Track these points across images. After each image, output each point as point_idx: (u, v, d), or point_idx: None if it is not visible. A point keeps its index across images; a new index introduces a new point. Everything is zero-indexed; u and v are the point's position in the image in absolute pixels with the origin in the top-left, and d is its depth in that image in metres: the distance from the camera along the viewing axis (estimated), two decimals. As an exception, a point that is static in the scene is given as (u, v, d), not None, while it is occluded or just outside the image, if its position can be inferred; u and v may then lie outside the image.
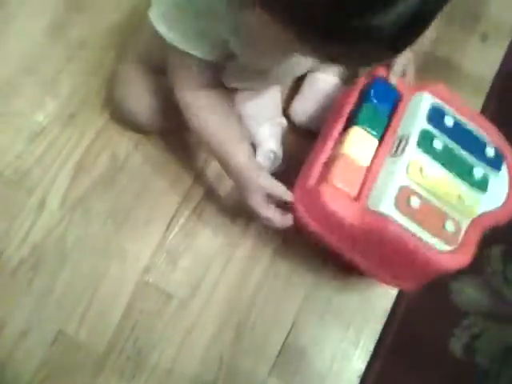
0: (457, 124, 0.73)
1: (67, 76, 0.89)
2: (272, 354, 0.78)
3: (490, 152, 0.72)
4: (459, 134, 0.72)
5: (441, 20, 0.98)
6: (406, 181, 0.67)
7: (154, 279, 0.81)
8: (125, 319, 0.79)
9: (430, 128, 0.71)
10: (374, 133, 0.72)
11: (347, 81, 0.88)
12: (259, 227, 0.82)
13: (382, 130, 0.72)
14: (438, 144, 0.70)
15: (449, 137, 0.72)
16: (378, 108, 0.73)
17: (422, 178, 0.68)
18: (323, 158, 0.71)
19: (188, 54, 0.64)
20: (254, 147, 0.82)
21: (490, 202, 0.70)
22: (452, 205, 0.68)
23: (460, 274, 0.81)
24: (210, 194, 0.84)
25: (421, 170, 0.68)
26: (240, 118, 0.79)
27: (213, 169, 0.85)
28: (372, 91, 0.74)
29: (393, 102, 0.75)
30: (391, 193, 0.66)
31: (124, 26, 0.92)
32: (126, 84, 0.81)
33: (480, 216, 0.69)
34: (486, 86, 0.95)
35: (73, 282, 0.80)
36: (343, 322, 0.80)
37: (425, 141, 0.70)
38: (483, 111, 0.91)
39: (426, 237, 0.65)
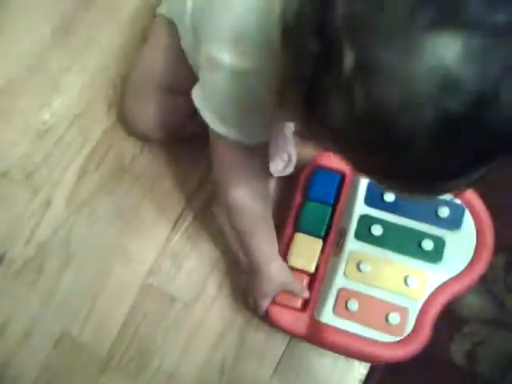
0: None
1: (74, 76, 0.89)
2: (275, 359, 0.79)
3: (444, 212, 0.70)
4: (403, 205, 0.71)
5: None
6: (345, 282, 0.69)
7: (157, 282, 0.81)
8: (128, 321, 0.79)
9: (367, 211, 0.71)
10: (318, 233, 0.73)
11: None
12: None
13: (326, 226, 0.74)
14: (376, 229, 0.70)
15: (391, 212, 0.71)
16: (319, 206, 0.74)
17: (360, 273, 0.69)
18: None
19: (238, 142, 0.59)
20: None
21: (450, 268, 0.69)
22: (397, 292, 0.69)
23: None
24: (214, 199, 0.84)
25: (358, 265, 0.69)
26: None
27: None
28: (311, 189, 0.75)
29: (335, 187, 0.75)
30: (330, 300, 0.69)
31: (134, 24, 0.91)
32: (135, 96, 0.80)
33: (438, 289, 0.69)
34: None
35: (77, 283, 0.80)
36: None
37: (362, 229, 0.71)
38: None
39: (369, 334, 0.67)
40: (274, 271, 0.71)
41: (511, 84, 0.35)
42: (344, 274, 0.70)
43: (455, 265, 0.70)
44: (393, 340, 0.67)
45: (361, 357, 0.73)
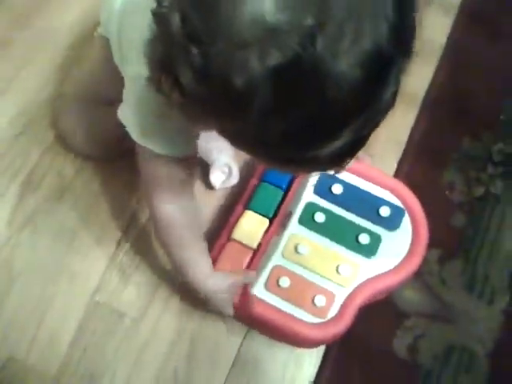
0: (347, 190, 0.76)
1: (12, 96, 0.88)
2: (227, 365, 0.79)
3: (385, 211, 0.75)
4: (349, 199, 0.76)
5: None
6: (281, 260, 0.73)
7: (105, 298, 0.80)
8: (76, 341, 0.78)
9: (315, 200, 0.76)
10: (266, 214, 0.77)
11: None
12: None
13: (275, 208, 0.78)
14: (319, 217, 0.75)
15: (336, 204, 0.76)
16: (272, 188, 0.78)
17: (297, 255, 0.73)
18: (222, 240, 0.77)
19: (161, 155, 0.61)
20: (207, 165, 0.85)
21: (382, 263, 0.74)
22: (328, 278, 0.73)
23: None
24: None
25: (296, 247, 0.73)
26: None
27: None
28: (267, 172, 0.79)
29: (290, 175, 0.78)
30: (264, 274, 0.72)
31: (72, 42, 0.91)
32: (67, 116, 0.81)
33: (367, 281, 0.73)
34: (418, 102, 1.00)
35: (21, 306, 0.79)
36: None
37: (306, 215, 0.75)
38: (416, 126, 0.97)
39: (294, 312, 0.71)
40: (213, 286, 0.72)
41: (329, 33, 0.37)
42: (282, 253, 0.74)
43: (388, 261, 0.74)
44: (315, 321, 0.70)
45: (283, 334, 0.74)
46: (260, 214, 0.77)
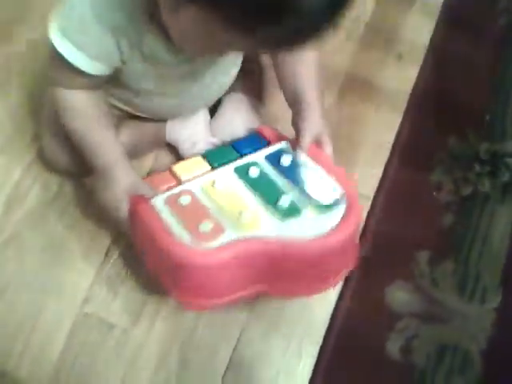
0: (294, 165, 0.75)
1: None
2: (219, 373, 0.79)
3: (320, 192, 0.72)
4: (294, 172, 0.74)
5: (360, 43, 1.06)
6: (193, 186, 0.74)
7: (94, 310, 0.80)
8: (66, 353, 0.78)
9: (261, 161, 0.77)
10: (210, 162, 0.78)
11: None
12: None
13: (223, 163, 0.78)
14: (254, 172, 0.75)
15: (278, 172, 0.75)
16: (231, 150, 0.80)
17: (211, 188, 0.73)
18: None
19: (76, 68, 0.66)
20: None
21: (282, 230, 0.68)
22: (226, 215, 0.69)
23: (393, 278, 0.87)
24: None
25: (214, 182, 0.73)
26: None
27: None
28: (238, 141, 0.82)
29: (256, 148, 0.80)
30: (172, 192, 0.73)
31: None
32: (51, 132, 0.81)
33: (258, 239, 0.67)
34: (403, 104, 1.00)
35: (9, 319, 0.78)
36: (285, 336, 0.82)
37: (244, 168, 0.75)
38: (401, 128, 0.97)
39: (179, 230, 0.67)
40: (119, 173, 0.72)
41: None
42: (199, 183, 0.74)
43: (291, 231, 0.69)
44: (194, 245, 0.66)
45: (159, 249, 0.68)
46: (205, 159, 0.79)
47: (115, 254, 0.83)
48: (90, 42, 0.65)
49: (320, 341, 0.82)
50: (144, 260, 0.75)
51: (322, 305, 0.84)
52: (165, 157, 0.91)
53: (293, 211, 0.70)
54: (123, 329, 0.80)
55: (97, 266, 0.82)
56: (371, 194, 0.92)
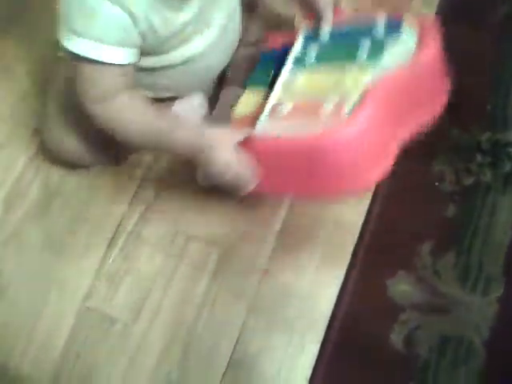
0: (335, 32, 0.73)
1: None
2: (221, 367, 0.79)
3: (381, 26, 0.70)
4: (339, 36, 0.73)
5: None
6: (281, 95, 0.69)
7: (95, 305, 0.80)
8: (69, 348, 0.78)
9: (305, 44, 0.74)
10: (261, 87, 0.74)
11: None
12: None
13: (270, 77, 0.74)
14: (312, 52, 0.72)
15: (330, 39, 0.73)
16: (264, 65, 0.77)
17: (292, 88, 0.69)
18: None
19: (103, 64, 0.63)
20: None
21: (388, 63, 0.66)
22: (332, 92, 0.65)
23: (395, 270, 0.87)
24: (148, 215, 0.85)
25: (291, 83, 0.70)
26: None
27: (149, 190, 0.86)
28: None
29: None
30: (265, 114, 0.68)
31: (52, 50, 0.91)
32: (56, 122, 0.80)
33: (379, 80, 0.63)
34: None
35: (12, 316, 0.79)
36: (287, 329, 0.82)
37: (300, 57, 0.72)
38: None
39: (303, 128, 0.63)
40: (207, 142, 0.68)
41: None
42: (282, 88, 0.69)
43: (395, 60, 0.67)
44: (328, 126, 0.62)
45: (294, 156, 0.65)
46: (255, 89, 0.75)
47: (116, 249, 0.83)
48: (104, 26, 0.61)
49: (322, 334, 0.82)
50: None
51: (323, 298, 0.84)
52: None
53: (378, 48, 0.67)
54: (125, 324, 0.80)
55: (98, 261, 0.82)
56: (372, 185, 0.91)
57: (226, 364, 0.79)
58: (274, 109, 0.68)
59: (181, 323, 0.80)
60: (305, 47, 0.75)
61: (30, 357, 0.77)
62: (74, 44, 0.62)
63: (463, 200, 0.92)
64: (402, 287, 0.87)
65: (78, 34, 0.61)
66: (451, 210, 0.92)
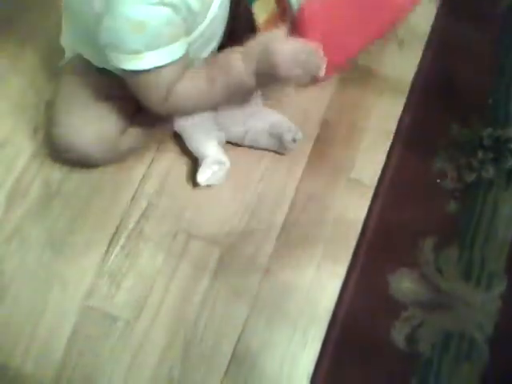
0: None
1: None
2: (223, 364, 0.79)
3: None
4: None
5: None
6: None
7: (97, 303, 0.80)
8: (71, 346, 0.78)
9: None
10: None
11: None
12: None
13: None
14: None
15: None
16: None
17: None
18: None
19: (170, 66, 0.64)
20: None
21: None
22: None
23: (397, 267, 0.86)
24: (149, 213, 0.85)
25: None
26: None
27: (150, 188, 0.86)
28: None
29: None
30: None
31: (53, 47, 0.89)
32: (67, 123, 0.78)
33: None
34: (405, 90, 0.99)
35: (14, 315, 0.79)
36: (290, 325, 0.82)
37: None
38: (404, 112, 0.96)
39: None
40: (255, 58, 0.67)
41: None
42: None
43: None
44: None
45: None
46: None
47: (117, 248, 0.83)
48: (156, 31, 0.62)
49: (324, 331, 0.82)
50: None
51: (325, 296, 0.84)
52: (167, 152, 0.90)
53: None
54: (126, 321, 0.80)
55: (99, 259, 0.82)
56: (374, 181, 0.91)
57: (227, 361, 0.79)
58: None
59: (182, 321, 0.81)
60: None
61: (33, 355, 0.77)
62: (137, 63, 0.64)
63: (465, 197, 0.92)
64: (404, 284, 0.86)
65: (138, 52, 0.63)
66: (453, 207, 0.91)
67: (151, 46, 0.63)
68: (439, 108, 0.98)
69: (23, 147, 0.86)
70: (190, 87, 0.69)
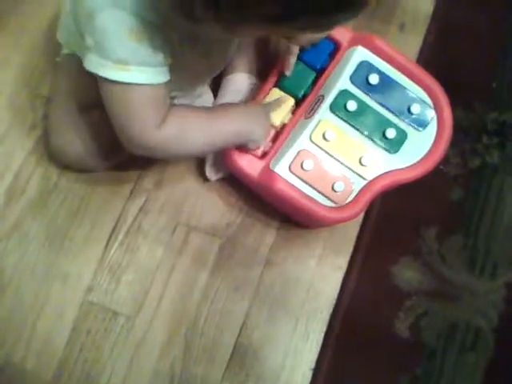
0: (383, 81, 0.74)
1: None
2: (224, 358, 0.79)
3: (416, 109, 0.74)
4: (384, 91, 0.74)
5: (361, 13, 1.03)
6: (308, 144, 0.73)
7: (97, 298, 0.80)
8: (72, 341, 0.78)
9: (349, 87, 0.74)
10: (296, 94, 0.76)
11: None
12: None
13: (305, 89, 0.76)
14: (351, 105, 0.73)
15: (371, 96, 0.74)
16: (305, 68, 0.76)
17: (324, 141, 0.73)
18: None
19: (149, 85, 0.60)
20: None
21: (403, 159, 0.74)
22: (350, 167, 0.73)
23: (400, 256, 0.85)
24: (148, 207, 0.84)
25: (324, 133, 0.73)
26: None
27: (148, 182, 0.85)
28: (303, 51, 0.76)
29: (326, 56, 0.77)
30: (289, 156, 0.73)
31: (48, 42, 0.90)
32: (61, 132, 0.77)
33: (385, 174, 0.74)
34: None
35: (14, 310, 0.79)
36: (292, 317, 0.82)
37: (339, 102, 0.73)
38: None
39: (313, 194, 0.72)
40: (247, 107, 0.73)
41: None
42: (309, 137, 0.73)
43: (408, 158, 0.74)
44: (331, 205, 0.73)
45: (299, 212, 0.75)
46: (288, 93, 0.76)
47: (117, 242, 0.83)
48: (153, 46, 0.59)
49: (326, 323, 0.82)
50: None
51: (327, 287, 0.83)
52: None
53: (401, 139, 0.74)
54: (127, 316, 0.80)
55: (99, 254, 0.82)
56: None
57: (229, 354, 0.79)
58: (298, 157, 0.72)
59: (183, 315, 0.80)
60: (354, 80, 0.74)
61: (34, 351, 0.77)
62: (127, 75, 0.59)
63: (469, 183, 0.90)
64: (407, 273, 0.85)
65: (128, 63, 0.59)
66: (457, 194, 0.90)
67: (143, 61, 0.59)
68: (442, 93, 0.95)
69: (20, 143, 0.85)
70: (192, 117, 0.67)
